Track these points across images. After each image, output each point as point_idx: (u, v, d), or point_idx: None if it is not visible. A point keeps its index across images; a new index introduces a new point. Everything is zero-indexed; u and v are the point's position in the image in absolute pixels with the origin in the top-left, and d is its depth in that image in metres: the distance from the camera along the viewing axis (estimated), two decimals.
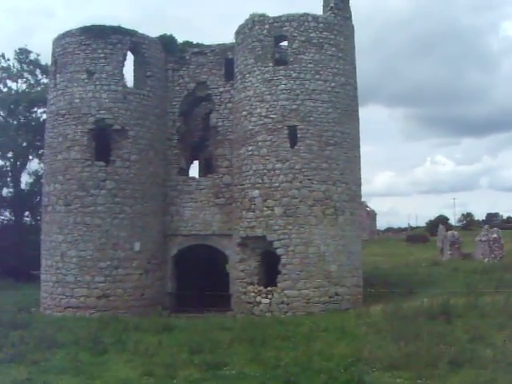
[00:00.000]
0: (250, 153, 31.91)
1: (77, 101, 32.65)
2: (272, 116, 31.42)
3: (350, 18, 33.43)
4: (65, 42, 33.39)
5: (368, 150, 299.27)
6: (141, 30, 34.03)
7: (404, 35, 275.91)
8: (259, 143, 31.57)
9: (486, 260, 54.08)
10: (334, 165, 31.45)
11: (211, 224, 34.28)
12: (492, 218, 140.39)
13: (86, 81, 32.66)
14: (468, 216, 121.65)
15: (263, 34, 32.13)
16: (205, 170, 38.93)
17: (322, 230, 30.90)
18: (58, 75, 33.59)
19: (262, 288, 31.08)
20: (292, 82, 31.41)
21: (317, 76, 31.58)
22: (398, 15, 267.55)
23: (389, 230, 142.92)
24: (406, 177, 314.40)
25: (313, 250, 30.69)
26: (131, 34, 33.59)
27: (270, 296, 30.76)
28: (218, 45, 35.53)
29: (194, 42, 36.27)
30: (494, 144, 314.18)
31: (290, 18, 31.87)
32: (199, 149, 39.03)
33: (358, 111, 33.83)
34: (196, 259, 35.64)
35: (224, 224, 33.82)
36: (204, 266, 36.16)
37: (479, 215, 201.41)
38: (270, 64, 31.82)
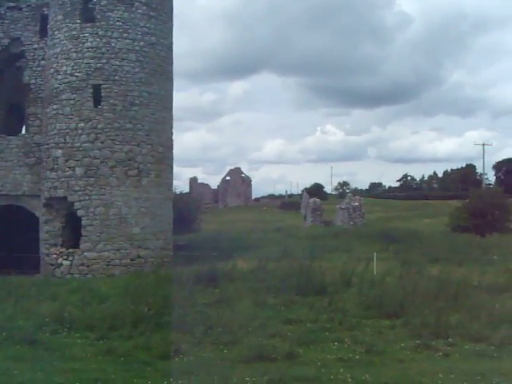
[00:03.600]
0: (54, 112, 31.17)
1: None
2: (77, 74, 30.71)
3: None
4: None
5: (259, 118, 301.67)
6: None
7: (300, 4, 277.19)
8: (63, 102, 30.86)
9: (345, 226, 55.03)
10: (139, 125, 30.98)
11: (22, 184, 33.40)
12: (375, 188, 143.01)
13: None
14: (344, 185, 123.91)
15: None
16: None
17: (124, 191, 30.50)
18: None
19: (64, 250, 30.57)
20: (98, 40, 30.71)
21: (125, 34, 30.94)
22: None
23: (270, 196, 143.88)
24: (296, 145, 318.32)
25: (114, 211, 30.30)
26: None
27: (70, 258, 30.30)
28: (38, 0, 34.38)
29: None
30: (384, 116, 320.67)
31: None
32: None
33: (171, 72, 33.34)
34: (13, 220, 34.75)
35: (34, 184, 32.97)
36: (22, 226, 35.28)
37: (364, 185, 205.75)
38: (78, 21, 30.98)
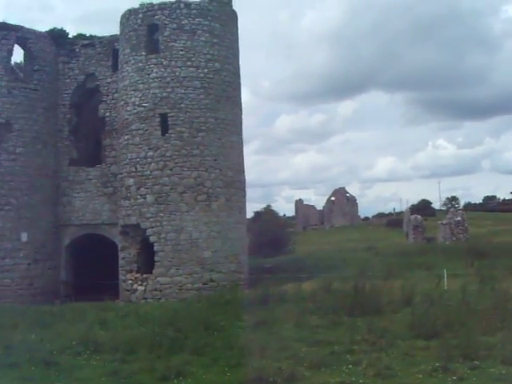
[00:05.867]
0: (126, 142, 32.26)
1: None
2: (144, 104, 31.68)
3: (228, 3, 33.31)
4: None
5: (369, 136, 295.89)
6: None
7: (404, 19, 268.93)
8: (133, 132, 31.89)
9: (447, 242, 53.36)
10: (207, 151, 31.45)
11: (101, 213, 34.82)
12: (489, 201, 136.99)
13: None
14: (453, 200, 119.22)
15: (137, 23, 32.36)
16: None
17: (194, 216, 30.99)
18: None
19: (138, 275, 31.37)
20: (163, 69, 31.57)
21: (188, 63, 31.63)
22: None
23: (380, 215, 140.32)
24: (408, 161, 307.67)
25: (184, 236, 30.84)
26: (16, 29, 34.24)
27: (145, 283, 31.06)
28: (110, 36, 35.76)
29: (88, 35, 36.65)
30: (496, 126, 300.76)
31: (162, 6, 31.99)
32: None
33: (238, 96, 33.77)
34: (98, 247, 35.97)
35: (113, 213, 34.20)
36: (106, 254, 36.46)
37: (478, 198, 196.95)
38: (143, 53, 31.98)
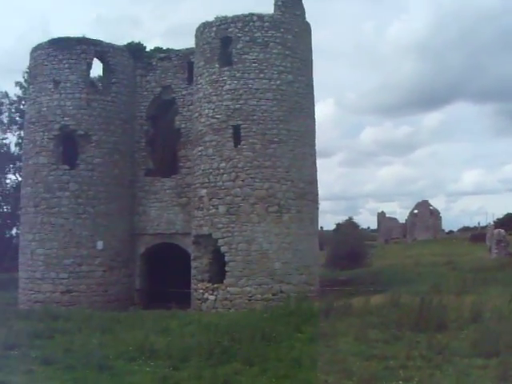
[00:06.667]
0: (199, 153, 32.78)
1: (44, 109, 34.78)
2: (217, 116, 32.10)
3: (300, 15, 33.41)
4: (36, 55, 35.72)
5: (457, 148, 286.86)
6: None
7: (492, 29, 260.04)
8: (207, 143, 32.35)
9: None
10: (279, 163, 31.57)
11: (175, 223, 35.45)
12: None
13: (53, 90, 34.72)
14: None
15: (211, 36, 32.88)
16: None
17: (265, 227, 31.10)
18: (31, 86, 36.17)
19: (209, 285, 31.72)
20: (236, 81, 31.91)
21: (261, 75, 31.88)
22: (486, 9, 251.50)
23: (465, 229, 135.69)
24: (496, 174, 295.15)
25: (255, 247, 30.99)
26: (96, 43, 35.43)
27: (215, 293, 31.37)
28: (186, 49, 36.41)
29: (164, 48, 37.51)
30: None
31: (235, 19, 32.41)
32: None
33: (311, 108, 33.79)
34: (172, 256, 36.56)
35: (186, 223, 34.75)
36: (179, 263, 37.00)
37: None
38: (217, 65, 32.46)
